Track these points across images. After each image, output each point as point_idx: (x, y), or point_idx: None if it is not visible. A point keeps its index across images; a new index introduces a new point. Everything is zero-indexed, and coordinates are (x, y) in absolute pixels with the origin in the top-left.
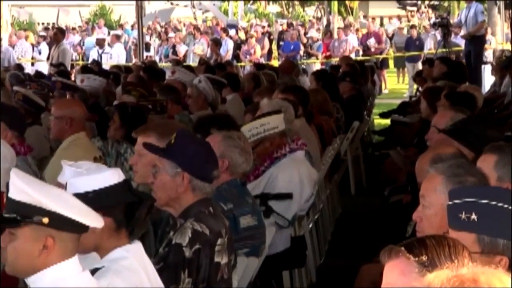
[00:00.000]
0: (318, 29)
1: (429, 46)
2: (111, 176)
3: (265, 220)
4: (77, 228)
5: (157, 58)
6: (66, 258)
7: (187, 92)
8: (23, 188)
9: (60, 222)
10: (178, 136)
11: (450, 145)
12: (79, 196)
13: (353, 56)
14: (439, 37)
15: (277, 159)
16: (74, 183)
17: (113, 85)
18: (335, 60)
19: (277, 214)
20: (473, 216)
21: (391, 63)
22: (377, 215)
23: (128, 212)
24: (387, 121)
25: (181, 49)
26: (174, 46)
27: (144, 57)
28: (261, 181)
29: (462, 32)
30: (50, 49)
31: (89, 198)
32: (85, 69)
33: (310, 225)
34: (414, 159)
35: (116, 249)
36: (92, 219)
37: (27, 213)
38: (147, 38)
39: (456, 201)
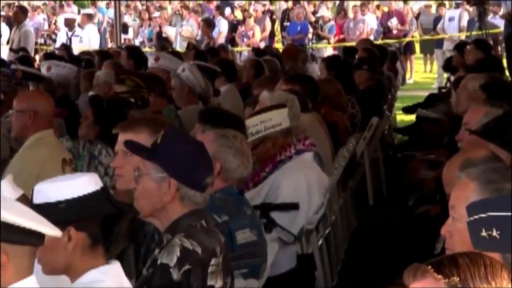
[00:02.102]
0: (329, 7)
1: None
2: (86, 183)
3: (266, 235)
4: (31, 238)
5: (137, 42)
6: (22, 277)
7: (171, 84)
8: None
9: (10, 232)
10: (165, 134)
11: (483, 147)
12: (47, 206)
13: (371, 39)
14: (473, 17)
15: (281, 163)
16: (42, 191)
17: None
18: (350, 44)
19: (280, 228)
20: (494, 233)
21: (417, 47)
22: (400, 229)
23: (105, 226)
24: (412, 117)
25: (169, 31)
26: (160, 27)
27: (122, 40)
28: (261, 188)
29: (502, 11)
30: (10, 31)
31: (60, 209)
32: (51, 55)
33: (320, 241)
34: (443, 163)
35: (90, 271)
36: (48, 227)
37: None
38: (125, 18)
39: (475, 216)
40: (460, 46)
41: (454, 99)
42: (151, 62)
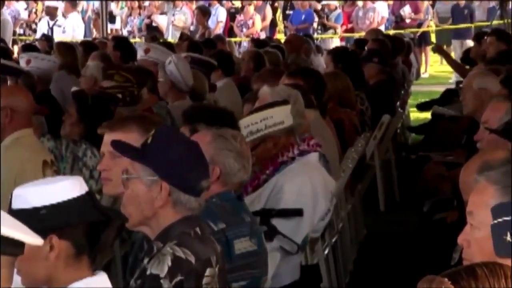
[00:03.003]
0: None
1: (480, 16)
2: (70, 187)
3: (267, 244)
4: (9, 247)
5: (125, 32)
6: None
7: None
8: None
9: None
10: (156, 133)
11: (504, 147)
12: (27, 212)
13: (382, 29)
14: (493, 5)
15: (283, 165)
16: (22, 196)
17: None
18: (359, 35)
19: (282, 236)
20: None
21: (432, 38)
22: (414, 237)
23: (91, 234)
24: (427, 115)
25: (161, 21)
26: (150, 17)
27: (109, 30)
28: (262, 193)
29: None
30: None
31: (41, 216)
32: (31, 47)
33: (326, 251)
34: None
35: (74, 283)
36: (29, 235)
37: None
38: (111, 6)
39: (499, 219)
40: (479, 36)
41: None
42: (140, 54)
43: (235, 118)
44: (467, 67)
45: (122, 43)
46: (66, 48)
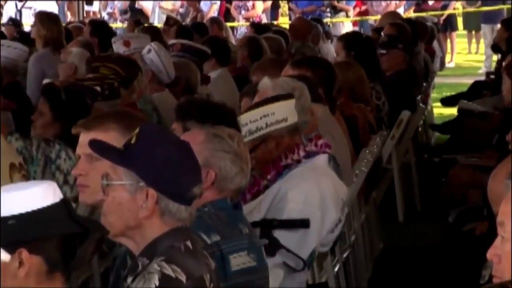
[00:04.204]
0: None
1: None
2: (42, 194)
3: (268, 259)
4: None
5: (105, 16)
6: None
7: None
8: None
9: None
10: (141, 132)
11: None
12: None
13: (401, 12)
14: None
15: (287, 169)
16: None
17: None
18: (374, 18)
19: (286, 251)
20: None
21: (459, 22)
22: (437, 252)
23: (66, 248)
24: (453, 111)
25: (145, 3)
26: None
27: (85, 14)
28: (262, 201)
29: None
30: None
31: (8, 227)
32: None
33: (337, 267)
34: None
35: None
36: None
37: None
38: None
39: None
40: (508, 21)
41: (506, 87)
42: (121, 49)
43: (233, 115)
44: (498, 55)
45: (100, 28)
46: (50, 19)
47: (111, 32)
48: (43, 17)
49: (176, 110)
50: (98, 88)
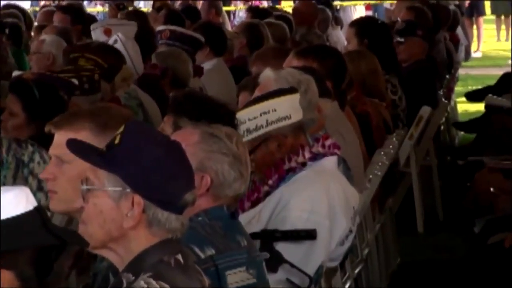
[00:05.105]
0: None
1: None
2: (13, 201)
3: (269, 275)
4: None
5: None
6: None
7: None
8: None
9: None
10: (127, 132)
11: None
12: None
13: None
14: None
15: (290, 173)
16: None
17: (10, 45)
18: (389, 2)
19: (290, 266)
20: None
21: (486, 6)
22: (462, 266)
23: (40, 262)
24: (480, 107)
25: None
26: None
27: None
28: (263, 209)
29: None
30: None
31: None
32: None
33: (348, 285)
34: None
35: None
36: None
37: None
38: None
39: None
40: None
41: None
42: (102, 38)
43: (230, 111)
44: None
45: (73, 13)
46: None
47: (87, 17)
48: None
49: (170, 102)
50: (75, 81)
